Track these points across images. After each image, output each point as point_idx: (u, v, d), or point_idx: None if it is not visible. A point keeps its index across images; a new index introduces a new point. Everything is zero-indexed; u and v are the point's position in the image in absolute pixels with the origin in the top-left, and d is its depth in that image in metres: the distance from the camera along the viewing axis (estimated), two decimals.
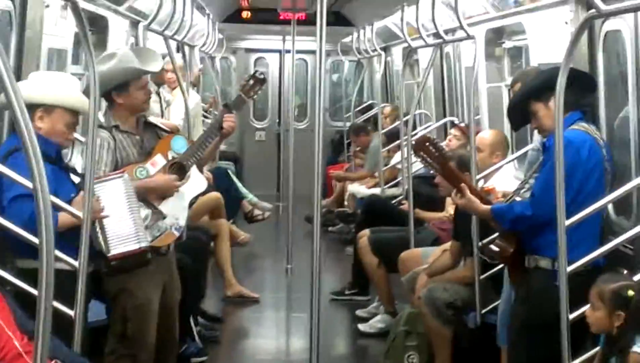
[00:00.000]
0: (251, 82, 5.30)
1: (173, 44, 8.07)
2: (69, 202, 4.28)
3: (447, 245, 6.16)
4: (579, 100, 4.46)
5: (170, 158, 5.03)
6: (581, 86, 4.50)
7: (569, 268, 4.06)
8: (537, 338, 4.36)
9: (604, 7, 3.77)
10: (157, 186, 4.96)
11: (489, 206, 4.67)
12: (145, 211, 4.89)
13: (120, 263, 4.60)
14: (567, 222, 4.04)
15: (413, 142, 8.04)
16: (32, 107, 4.36)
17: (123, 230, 4.60)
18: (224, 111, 5.22)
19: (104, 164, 4.81)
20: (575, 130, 4.39)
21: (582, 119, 4.48)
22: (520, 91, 4.84)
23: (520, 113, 4.69)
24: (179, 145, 5.07)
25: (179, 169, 5.04)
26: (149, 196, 4.94)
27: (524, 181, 4.89)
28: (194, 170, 5.11)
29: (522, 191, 4.81)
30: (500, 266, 5.36)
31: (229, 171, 10.46)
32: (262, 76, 5.34)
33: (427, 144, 4.75)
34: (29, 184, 3.86)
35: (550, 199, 4.18)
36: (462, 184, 4.72)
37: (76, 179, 4.70)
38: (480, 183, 5.77)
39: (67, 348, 3.93)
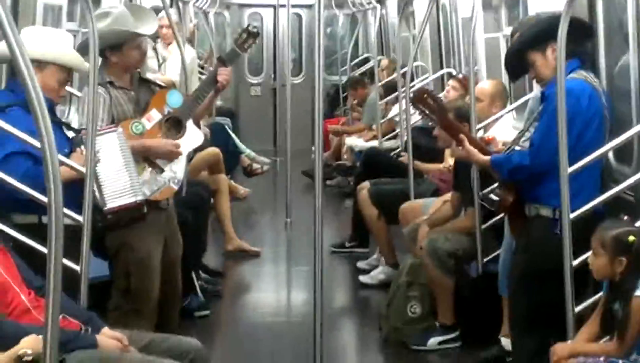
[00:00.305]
0: (244, 35, 5.27)
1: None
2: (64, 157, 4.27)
3: (447, 196, 6.17)
4: (576, 48, 4.44)
5: (165, 112, 5.02)
6: (578, 33, 4.47)
7: (572, 216, 4.08)
8: (537, 286, 4.38)
9: None
10: (157, 150, 4.95)
11: (487, 157, 4.67)
12: (143, 166, 4.90)
13: (116, 217, 4.59)
14: (570, 169, 4.05)
15: (411, 94, 8.08)
16: None
17: (118, 183, 4.59)
18: (218, 64, 5.19)
19: (100, 120, 4.77)
20: (575, 79, 4.37)
21: (580, 67, 4.47)
22: (517, 41, 4.81)
23: (518, 63, 4.67)
24: (175, 99, 5.06)
25: (175, 123, 5.03)
26: (147, 154, 4.95)
27: (523, 130, 4.89)
28: (190, 124, 5.09)
29: (522, 140, 4.81)
30: (501, 215, 5.39)
31: (226, 126, 10.45)
32: (255, 30, 5.30)
33: (425, 96, 4.75)
34: (28, 139, 3.90)
35: (549, 149, 4.19)
36: (461, 135, 4.72)
37: (69, 134, 4.69)
38: (480, 133, 5.77)
39: (73, 302, 3.94)
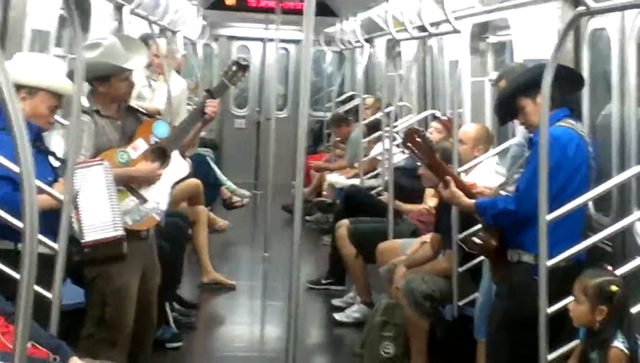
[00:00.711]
0: (234, 68, 5.26)
1: (156, 30, 8.03)
2: (46, 185, 4.22)
3: (426, 237, 6.18)
4: (566, 97, 4.45)
5: (152, 142, 5.01)
6: (569, 82, 4.48)
7: (549, 263, 4.07)
8: (517, 332, 4.35)
9: (593, 4, 3.79)
10: (140, 174, 4.94)
11: (472, 200, 4.67)
12: (126, 195, 4.87)
13: (93, 252, 4.55)
14: (548, 218, 4.05)
15: (395, 134, 8.10)
16: (15, 88, 4.31)
17: (100, 217, 4.55)
18: (206, 96, 5.18)
19: (84, 148, 4.77)
20: (562, 127, 4.36)
21: (569, 116, 4.45)
22: (509, 86, 4.80)
23: (508, 108, 4.68)
24: (161, 129, 5.05)
25: (160, 153, 5.02)
26: (131, 182, 4.92)
27: (509, 176, 4.89)
28: (175, 155, 5.08)
29: (507, 186, 4.80)
30: (479, 259, 5.38)
31: (207, 157, 10.44)
32: (245, 63, 5.30)
33: (416, 136, 4.76)
34: (7, 164, 3.86)
35: (534, 195, 4.17)
36: (448, 177, 4.72)
37: (55, 163, 4.66)
38: (462, 177, 5.78)
39: (43, 330, 3.88)
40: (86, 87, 5.02)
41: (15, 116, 2.32)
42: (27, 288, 2.39)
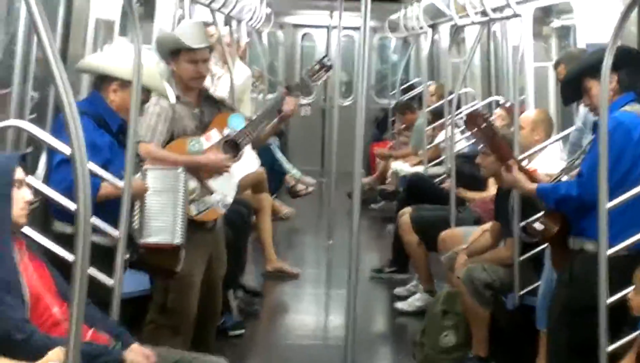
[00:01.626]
0: (317, 67, 5.26)
1: (221, 19, 8.07)
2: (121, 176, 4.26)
3: (488, 225, 6.12)
4: (634, 81, 4.36)
5: (225, 134, 5.01)
6: (637, 66, 4.40)
7: (609, 251, 4.00)
8: (579, 322, 4.26)
9: None
10: (209, 163, 4.93)
11: (535, 185, 4.60)
12: (193, 184, 4.89)
13: (148, 256, 4.48)
14: (608, 205, 3.98)
15: (458, 120, 8.03)
16: (108, 79, 4.38)
17: (161, 220, 4.52)
18: (285, 93, 5.16)
19: (159, 133, 4.83)
20: (628, 112, 4.26)
21: (635, 101, 4.33)
22: (576, 66, 4.70)
23: (573, 89, 4.58)
24: (236, 122, 5.03)
25: (232, 146, 5.00)
26: (199, 171, 4.93)
27: (572, 160, 4.80)
28: (247, 149, 5.07)
29: (571, 171, 4.71)
30: (541, 247, 5.31)
31: (271, 146, 10.47)
32: (329, 63, 5.28)
33: (479, 118, 4.71)
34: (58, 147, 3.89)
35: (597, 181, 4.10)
36: (511, 161, 4.65)
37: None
38: (524, 163, 5.70)
39: (106, 316, 3.93)
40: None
41: (67, 95, 2.33)
42: (81, 270, 2.38)
